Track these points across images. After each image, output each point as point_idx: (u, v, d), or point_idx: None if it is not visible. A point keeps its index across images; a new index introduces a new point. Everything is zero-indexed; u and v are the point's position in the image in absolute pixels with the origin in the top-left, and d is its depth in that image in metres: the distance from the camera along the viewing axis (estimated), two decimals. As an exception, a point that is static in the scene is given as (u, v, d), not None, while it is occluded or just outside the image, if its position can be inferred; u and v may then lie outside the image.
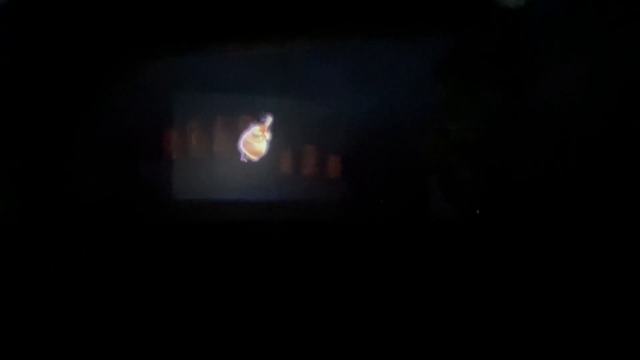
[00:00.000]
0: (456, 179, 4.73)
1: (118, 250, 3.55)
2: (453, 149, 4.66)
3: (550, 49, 4.22)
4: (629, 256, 3.19)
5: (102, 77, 4.68)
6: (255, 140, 5.30)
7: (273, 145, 5.35)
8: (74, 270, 3.20)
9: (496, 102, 4.49)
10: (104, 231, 3.89)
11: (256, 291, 3.31)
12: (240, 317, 3.08)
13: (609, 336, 2.94)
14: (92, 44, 4.56)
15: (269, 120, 5.29)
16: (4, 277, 2.94)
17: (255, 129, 5.29)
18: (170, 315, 3.05)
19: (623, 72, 3.84)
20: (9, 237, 3.22)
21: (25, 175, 4.22)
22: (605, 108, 3.91)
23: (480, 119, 4.54)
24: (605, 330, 3.01)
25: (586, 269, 3.46)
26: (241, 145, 5.31)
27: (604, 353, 2.88)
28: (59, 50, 4.46)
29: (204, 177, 5.23)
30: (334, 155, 5.49)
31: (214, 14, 4.53)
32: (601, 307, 3.16)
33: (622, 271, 3.19)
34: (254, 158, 5.34)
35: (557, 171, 4.25)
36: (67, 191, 4.42)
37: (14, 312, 2.82)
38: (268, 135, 5.29)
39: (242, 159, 5.29)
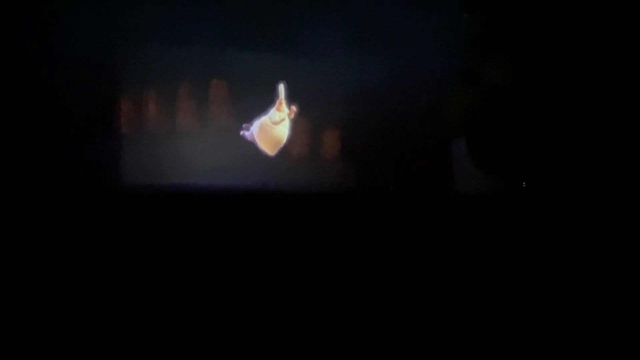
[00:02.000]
0: (490, 141, 3.68)
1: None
2: (485, 103, 3.61)
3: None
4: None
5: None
6: (276, 127, 4.06)
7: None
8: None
9: (540, 38, 3.46)
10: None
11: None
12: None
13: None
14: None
15: (282, 90, 4.01)
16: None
17: (273, 112, 4.07)
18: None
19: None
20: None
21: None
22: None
23: (521, 61, 3.50)
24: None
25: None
26: (255, 135, 4.10)
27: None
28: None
29: (164, 156, 4.10)
30: (334, 127, 4.39)
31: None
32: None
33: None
34: (270, 152, 4.13)
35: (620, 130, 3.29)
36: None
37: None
38: (287, 114, 4.03)
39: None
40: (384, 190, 4.11)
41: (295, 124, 4.28)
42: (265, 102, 4.25)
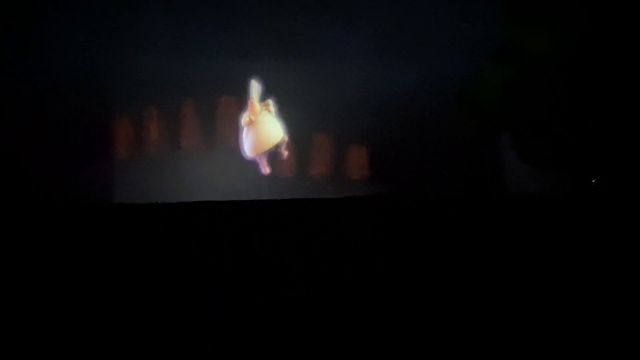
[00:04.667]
0: (543, 132, 3.00)
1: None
2: (531, 84, 2.97)
3: None
4: None
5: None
6: (253, 127, 3.61)
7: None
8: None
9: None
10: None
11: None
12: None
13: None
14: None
15: (254, 87, 3.62)
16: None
17: (245, 115, 3.66)
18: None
19: None
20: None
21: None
22: None
23: (572, 29, 2.89)
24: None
25: None
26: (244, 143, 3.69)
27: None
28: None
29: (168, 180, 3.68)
30: (359, 138, 3.83)
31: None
32: None
33: None
34: (264, 147, 3.62)
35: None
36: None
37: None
38: (260, 113, 3.59)
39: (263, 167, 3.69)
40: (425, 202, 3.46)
41: (315, 139, 3.86)
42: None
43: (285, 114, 3.73)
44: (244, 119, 3.61)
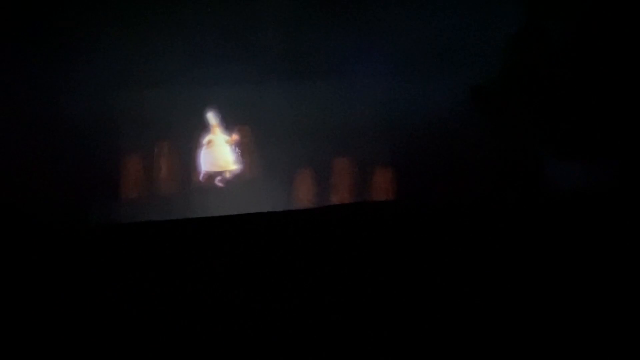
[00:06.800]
0: (580, 125, 2.70)
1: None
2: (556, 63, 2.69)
3: None
4: None
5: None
6: (210, 149, 3.81)
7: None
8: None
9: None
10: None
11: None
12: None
13: None
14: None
15: (211, 117, 3.77)
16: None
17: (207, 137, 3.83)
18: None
19: None
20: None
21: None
22: None
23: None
24: None
25: None
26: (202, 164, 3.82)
27: None
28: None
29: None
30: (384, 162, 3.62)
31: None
32: None
33: None
34: (210, 168, 3.79)
35: None
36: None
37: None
38: (222, 137, 3.78)
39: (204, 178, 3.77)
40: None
41: (337, 165, 3.67)
42: (296, 146, 3.62)
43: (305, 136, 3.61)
44: (206, 139, 3.85)
